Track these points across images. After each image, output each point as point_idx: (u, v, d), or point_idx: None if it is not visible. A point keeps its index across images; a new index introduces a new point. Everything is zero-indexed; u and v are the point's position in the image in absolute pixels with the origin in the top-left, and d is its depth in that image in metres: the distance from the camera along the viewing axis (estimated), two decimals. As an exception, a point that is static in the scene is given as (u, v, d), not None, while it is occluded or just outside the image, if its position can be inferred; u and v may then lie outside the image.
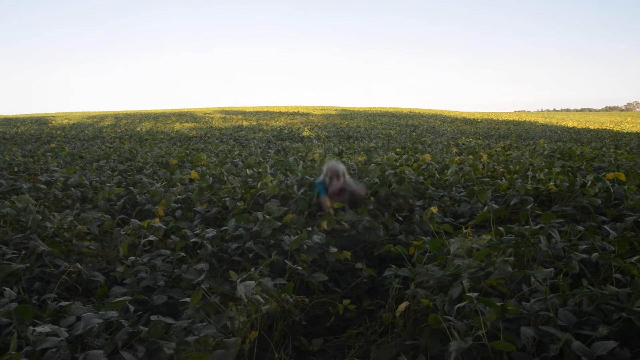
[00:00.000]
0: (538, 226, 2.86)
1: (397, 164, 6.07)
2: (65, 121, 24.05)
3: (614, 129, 21.51)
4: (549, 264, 2.78)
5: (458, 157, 7.34)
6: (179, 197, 4.16)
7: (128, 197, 4.24)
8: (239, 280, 2.32)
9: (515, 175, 5.45)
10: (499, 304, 2.03)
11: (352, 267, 3.34)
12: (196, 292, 2.10)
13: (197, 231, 3.31)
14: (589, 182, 4.17)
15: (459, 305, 2.03)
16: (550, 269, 2.39)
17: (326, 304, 3.03)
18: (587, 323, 2.02)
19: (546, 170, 5.34)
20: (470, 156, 7.19)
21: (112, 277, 2.87)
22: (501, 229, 3.04)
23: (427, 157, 6.15)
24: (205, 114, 32.46)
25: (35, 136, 13.16)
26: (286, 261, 2.82)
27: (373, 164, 6.30)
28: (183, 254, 2.79)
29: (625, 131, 19.36)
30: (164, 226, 3.35)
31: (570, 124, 25.29)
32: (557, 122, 27.30)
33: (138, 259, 2.67)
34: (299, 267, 2.78)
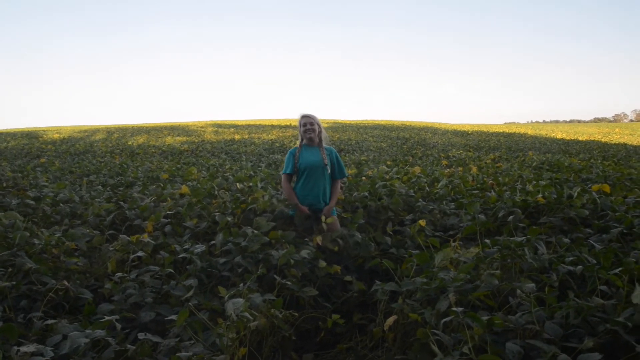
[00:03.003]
0: (523, 238, 2.88)
1: (388, 177, 6.10)
2: (56, 135, 23.92)
3: (602, 140, 21.82)
4: (535, 276, 2.81)
5: (448, 169, 7.40)
6: (168, 212, 4.15)
7: (118, 213, 4.22)
8: (227, 297, 2.31)
9: (504, 187, 5.50)
10: (486, 317, 2.04)
11: (342, 281, 3.34)
12: (183, 309, 2.09)
13: (186, 247, 3.30)
14: (576, 193, 4.23)
15: (445, 319, 2.04)
16: (532, 283, 2.41)
17: (317, 319, 3.03)
18: (573, 335, 2.04)
19: (534, 182, 5.39)
20: (460, 168, 7.25)
21: (100, 294, 2.85)
22: (487, 241, 3.07)
23: (417, 169, 6.19)
24: (198, 127, 32.46)
25: (25, 151, 13.06)
26: (275, 276, 2.82)
27: (364, 177, 6.33)
28: (171, 270, 2.78)
29: (613, 142, 19.65)
30: (152, 242, 3.34)
31: (559, 136, 25.61)
32: (546, 134, 27.64)
33: (125, 275, 2.65)
34: (288, 282, 2.78)
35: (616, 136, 25.61)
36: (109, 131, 28.33)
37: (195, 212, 4.15)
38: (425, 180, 5.84)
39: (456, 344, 2.03)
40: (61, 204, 4.55)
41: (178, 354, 1.80)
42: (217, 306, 2.71)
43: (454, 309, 2.08)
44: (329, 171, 3.90)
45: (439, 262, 2.62)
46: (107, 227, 4.01)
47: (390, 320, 2.55)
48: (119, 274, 2.67)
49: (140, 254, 2.93)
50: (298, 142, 4.05)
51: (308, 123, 3.90)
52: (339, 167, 4.00)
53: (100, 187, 5.70)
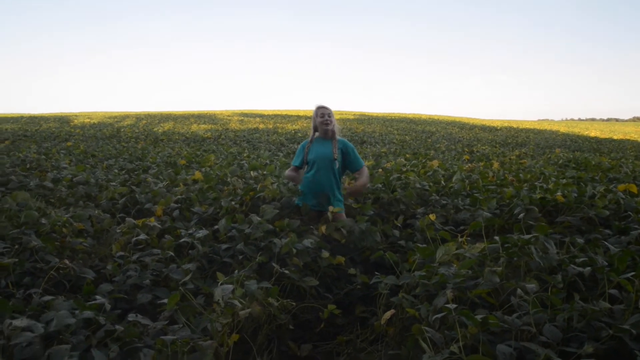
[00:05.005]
0: (531, 236, 2.77)
1: (405, 169, 5.99)
2: (87, 120, 24.59)
3: (638, 139, 20.92)
4: (542, 276, 2.69)
5: (469, 164, 7.22)
6: (179, 197, 4.18)
7: (130, 196, 4.28)
8: (220, 283, 2.30)
9: (525, 184, 5.32)
10: (482, 316, 1.96)
11: (346, 273, 3.29)
12: (175, 293, 2.09)
13: (191, 231, 3.32)
14: (599, 193, 4.04)
15: (436, 316, 1.97)
16: (535, 283, 2.31)
17: (318, 309, 3.00)
18: (574, 340, 1.94)
19: (554, 179, 5.20)
20: (481, 163, 7.06)
21: (103, 275, 2.89)
22: (497, 238, 2.96)
23: (435, 163, 6.06)
24: (224, 116, 32.80)
25: (55, 134, 13.47)
26: (273, 264, 2.80)
27: (380, 169, 6.24)
28: (171, 254, 2.79)
29: (650, 142, 18.82)
30: (159, 225, 3.36)
31: (593, 134, 24.71)
32: (579, 132, 26.71)
33: (127, 256, 2.68)
34: (286, 271, 2.75)
35: (654, 136, 24.53)
36: (138, 117, 28.95)
37: (205, 198, 4.17)
38: (442, 174, 5.70)
39: (448, 342, 1.96)
40: (78, 186, 4.65)
41: (162, 337, 1.79)
42: (214, 291, 2.71)
43: (448, 305, 2.01)
44: (338, 166, 3.82)
45: (440, 256, 2.54)
46: (118, 210, 4.07)
47: (388, 314, 2.50)
48: (119, 253, 2.70)
49: (142, 237, 2.96)
50: (310, 136, 3.99)
51: (326, 114, 3.82)
52: (356, 157, 3.90)
53: (116, 170, 5.80)
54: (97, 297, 2.49)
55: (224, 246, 3.09)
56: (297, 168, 3.93)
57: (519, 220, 3.88)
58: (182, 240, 3.02)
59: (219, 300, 1.90)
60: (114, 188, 4.41)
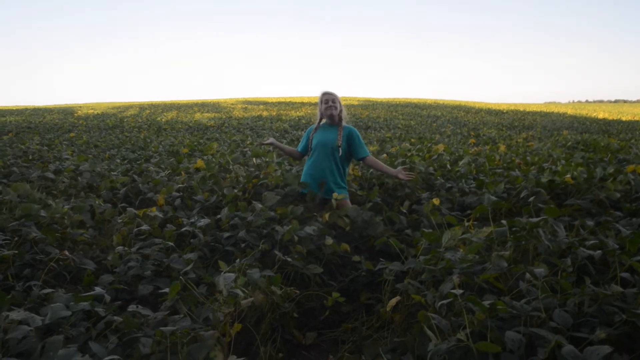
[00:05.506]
0: (540, 219, 2.69)
1: (410, 154, 5.91)
2: (90, 111, 24.56)
3: (648, 120, 20.61)
4: (551, 259, 2.63)
5: (475, 148, 7.11)
6: (181, 185, 4.14)
7: (132, 186, 4.24)
8: (223, 272, 2.25)
9: (532, 167, 5.23)
10: (489, 302, 1.90)
11: (351, 260, 3.24)
12: (175, 283, 2.05)
13: (193, 220, 3.27)
14: (609, 175, 3.95)
15: (442, 302, 1.92)
16: (544, 267, 2.25)
17: (322, 297, 2.96)
18: (585, 325, 1.88)
19: (563, 161, 5.09)
20: (488, 147, 6.95)
21: (104, 265, 2.87)
22: (504, 222, 2.89)
23: (440, 147, 5.96)
24: (228, 104, 32.68)
25: (58, 125, 13.46)
26: (276, 252, 2.75)
27: (385, 154, 6.15)
28: (172, 244, 2.74)
29: (659, 123, 18.53)
30: (160, 215, 3.32)
31: (601, 115, 24.36)
32: (587, 114, 26.35)
33: (125, 248, 2.64)
34: (289, 259, 2.70)
35: (663, 116, 24.15)
36: (142, 107, 28.89)
37: (207, 186, 4.12)
38: (448, 158, 5.61)
39: (455, 328, 1.91)
40: (79, 178, 4.61)
41: (161, 328, 1.75)
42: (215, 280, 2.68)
43: (454, 291, 1.95)
44: (341, 153, 3.74)
45: (446, 241, 2.48)
46: (120, 199, 4.03)
47: (394, 301, 2.45)
48: (119, 247, 2.66)
49: (144, 227, 2.92)
50: (317, 122, 3.92)
51: (330, 100, 3.75)
52: (359, 146, 3.80)
53: (118, 160, 5.76)
54: (98, 288, 2.48)
55: (226, 234, 3.05)
56: (300, 153, 3.87)
57: (527, 204, 3.80)
58: (184, 229, 2.98)
59: (221, 289, 1.85)
60: (116, 178, 4.37)
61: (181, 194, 4.07)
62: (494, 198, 2.94)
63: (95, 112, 24.15)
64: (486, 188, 4.03)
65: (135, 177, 4.48)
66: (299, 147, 3.89)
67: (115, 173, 4.60)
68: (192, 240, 3.01)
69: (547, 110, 29.48)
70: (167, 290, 2.20)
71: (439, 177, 4.52)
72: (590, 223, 2.87)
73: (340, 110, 3.76)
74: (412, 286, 2.43)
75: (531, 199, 3.25)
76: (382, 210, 4.00)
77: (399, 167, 3.77)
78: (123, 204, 3.91)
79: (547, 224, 2.63)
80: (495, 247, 2.67)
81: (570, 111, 29.52)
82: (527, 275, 2.09)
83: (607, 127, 14.73)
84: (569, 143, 7.61)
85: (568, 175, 4.21)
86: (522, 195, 3.87)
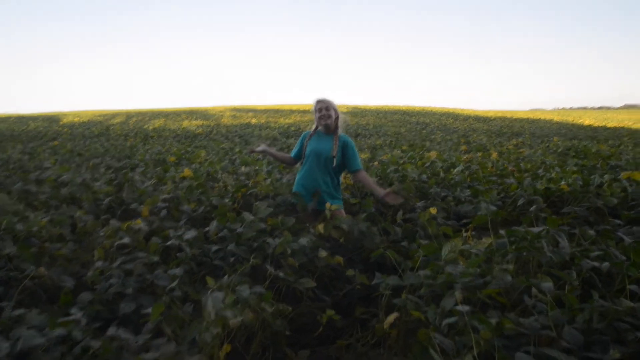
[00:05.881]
0: (542, 229, 2.60)
1: (402, 162, 5.82)
2: (76, 119, 24.17)
3: (633, 127, 20.86)
4: (554, 272, 2.53)
5: (466, 155, 7.05)
6: (167, 195, 3.98)
7: (115, 196, 4.07)
8: (209, 292, 2.11)
9: (526, 174, 5.17)
10: (495, 320, 1.79)
11: (344, 273, 3.12)
12: (158, 302, 1.90)
13: (180, 232, 3.12)
14: (606, 181, 3.89)
15: (447, 321, 1.80)
16: (549, 280, 2.14)
17: (315, 313, 2.82)
18: (596, 343, 1.77)
19: (558, 168, 5.04)
20: (479, 154, 6.89)
21: (84, 282, 2.70)
22: (502, 232, 2.79)
23: (433, 154, 5.88)
24: (216, 111, 32.45)
25: (42, 133, 13.16)
26: (267, 266, 2.61)
27: (376, 162, 6.06)
28: (156, 259, 2.59)
29: (644, 128, 18.76)
30: (145, 227, 3.16)
31: (587, 122, 24.64)
32: (573, 120, 26.64)
33: (106, 264, 2.48)
34: (281, 273, 2.56)
35: (647, 122, 24.50)
36: (129, 115, 28.54)
37: (194, 196, 3.97)
38: (441, 165, 5.52)
39: (460, 349, 1.79)
40: (62, 187, 4.43)
41: (142, 356, 1.60)
42: (204, 298, 2.53)
43: (459, 308, 1.84)
44: (335, 164, 3.62)
45: (446, 254, 2.36)
46: (103, 211, 3.86)
47: (391, 317, 2.33)
48: (99, 263, 2.49)
49: (126, 240, 2.76)
50: (313, 128, 3.79)
51: (324, 108, 3.61)
52: (352, 157, 3.66)
53: (102, 170, 5.57)
54: (76, 307, 2.32)
55: (214, 247, 2.90)
56: (293, 159, 3.76)
57: (524, 212, 3.72)
58: (170, 242, 2.82)
59: (209, 312, 1.71)
60: (99, 188, 4.19)
61: (167, 204, 3.92)
62: (493, 207, 2.84)
63: (81, 119, 23.76)
64: (482, 196, 3.94)
65: (121, 186, 4.31)
66: (293, 153, 3.76)
67: (98, 183, 4.42)
68: (178, 254, 2.86)
69: (534, 117, 29.78)
70: (150, 309, 2.05)
71: (433, 186, 4.42)
72: (591, 232, 2.78)
73: (336, 118, 3.63)
74: (411, 302, 2.31)
75: (532, 208, 3.16)
76: (377, 220, 3.89)
77: (388, 189, 3.64)
78: (106, 216, 3.74)
79: (548, 234, 2.54)
80: (496, 258, 2.57)
81: (556, 118, 29.83)
82: (534, 290, 1.99)
83: (594, 133, 14.85)
84: (560, 149, 7.59)
85: (564, 183, 4.14)
86: (518, 203, 3.79)
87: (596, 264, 2.34)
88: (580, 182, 4.18)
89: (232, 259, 2.82)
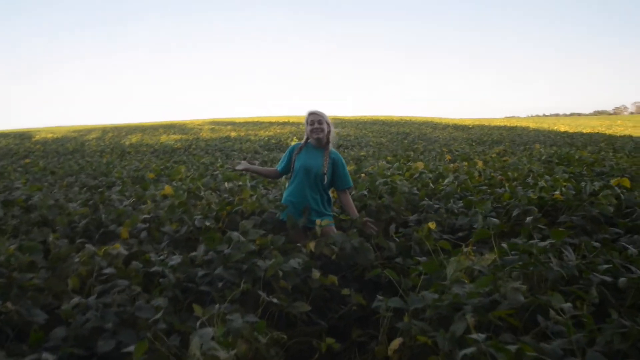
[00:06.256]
0: (547, 242, 2.49)
1: (389, 173, 5.70)
2: (49, 135, 23.47)
3: (606, 132, 21.37)
4: (561, 286, 2.41)
5: (452, 164, 6.99)
6: (146, 216, 3.75)
7: (92, 218, 3.82)
8: (197, 325, 1.91)
9: (515, 183, 5.10)
10: (514, 347, 1.64)
11: (339, 293, 2.94)
12: (141, 341, 1.70)
13: (162, 256, 2.91)
14: (599, 189, 3.83)
15: (464, 352, 1.64)
16: (561, 298, 2.01)
17: (309, 337, 2.64)
18: (622, 368, 1.65)
19: (547, 177, 4.98)
20: (465, 163, 6.84)
21: (57, 315, 2.46)
22: (504, 245, 2.67)
23: (420, 165, 5.78)
24: (195, 125, 32.03)
25: (13, 151, 12.64)
26: (259, 292, 2.42)
27: (363, 174, 5.93)
28: (139, 290, 2.38)
29: (617, 134, 19.22)
30: (124, 252, 2.93)
31: (562, 129, 25.16)
32: (548, 127, 27.18)
33: (82, 299, 2.25)
34: (275, 299, 2.38)
35: (619, 128, 25.18)
36: (105, 130, 27.89)
37: (176, 216, 3.75)
38: (429, 176, 5.42)
39: (478, 381, 1.64)
40: (33, 210, 4.14)
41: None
42: (190, 328, 2.32)
43: (474, 336, 1.69)
44: (325, 181, 3.47)
45: (451, 273, 2.22)
46: (78, 234, 3.61)
47: (396, 343, 2.17)
48: (74, 300, 2.26)
49: (107, 270, 2.54)
50: (303, 140, 3.63)
51: (316, 122, 3.44)
52: (344, 175, 3.52)
53: (76, 189, 5.28)
54: (49, 345, 2.09)
55: (201, 272, 2.69)
56: (279, 173, 3.59)
57: (519, 223, 3.62)
58: (153, 269, 2.61)
59: (195, 354, 1.52)
60: (73, 209, 3.93)
61: (148, 224, 3.69)
62: (496, 221, 2.72)
63: (55, 136, 23.08)
64: (475, 208, 3.83)
65: (97, 207, 4.05)
66: (279, 167, 3.59)
67: (73, 205, 4.15)
68: (161, 279, 2.64)
69: (510, 125, 30.29)
70: (127, 349, 1.83)
71: (424, 198, 4.30)
72: (596, 244, 2.68)
73: (329, 132, 3.48)
74: (416, 326, 2.16)
75: (529, 219, 3.05)
76: (370, 235, 3.74)
77: (365, 218, 3.49)
78: (82, 239, 3.49)
79: (554, 248, 2.43)
80: (498, 274, 2.43)
81: (532, 125, 30.40)
82: (551, 311, 1.86)
83: (571, 139, 15.12)
84: (543, 157, 7.61)
85: (557, 192, 4.07)
86: (513, 214, 3.69)
87: (607, 278, 2.23)
88: (573, 191, 4.12)
89: (220, 284, 2.62)
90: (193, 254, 2.92)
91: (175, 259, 2.68)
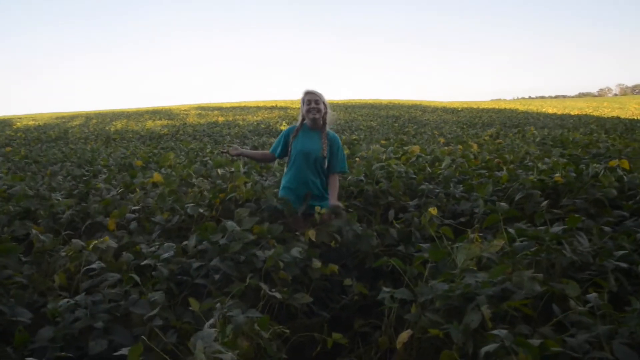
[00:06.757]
0: (559, 228, 2.39)
1: (384, 157, 5.58)
2: (31, 122, 22.88)
3: (593, 114, 21.49)
4: (572, 273, 2.33)
5: (446, 147, 6.89)
6: (135, 206, 3.59)
7: (77, 209, 3.63)
8: (196, 336, 1.77)
9: (512, 166, 5.01)
10: (537, 341, 1.54)
11: (340, 282, 2.84)
12: (136, 345, 1.56)
13: (154, 248, 2.76)
14: (601, 171, 3.75)
15: (486, 349, 1.54)
16: (576, 288, 1.93)
17: (311, 329, 2.53)
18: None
19: (547, 159, 4.91)
20: (460, 146, 6.74)
21: (43, 314, 2.31)
22: (512, 231, 2.57)
23: (416, 148, 5.67)
24: (181, 110, 31.50)
25: (-7, 139, 12.26)
26: (261, 284, 2.29)
27: (357, 158, 5.80)
28: (128, 289, 2.23)
29: (605, 116, 19.32)
30: (114, 244, 2.78)
31: (550, 110, 25.25)
32: (536, 109, 27.26)
33: (67, 297, 2.10)
34: (277, 293, 2.25)
35: (606, 110, 25.35)
36: (89, 117, 27.27)
37: (167, 205, 3.59)
38: (427, 159, 5.31)
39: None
40: (10, 204, 3.93)
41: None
42: (187, 325, 2.19)
43: (495, 332, 1.58)
44: (326, 165, 3.31)
45: (461, 261, 2.11)
46: (63, 226, 3.43)
47: (404, 335, 2.06)
48: (62, 302, 2.10)
49: (95, 265, 2.38)
50: (298, 122, 3.45)
51: (313, 101, 3.25)
52: (340, 158, 3.36)
53: (60, 178, 5.06)
54: (39, 345, 1.95)
55: (196, 264, 2.56)
56: (275, 157, 3.44)
57: (520, 206, 3.53)
58: (144, 262, 2.47)
59: (200, 358, 1.39)
60: (57, 200, 3.75)
61: (137, 215, 3.52)
62: (504, 205, 2.61)
63: (37, 123, 22.48)
64: (476, 192, 3.73)
65: (83, 197, 3.87)
66: (275, 150, 3.41)
67: (55, 195, 3.94)
68: (153, 272, 2.50)
69: (499, 107, 30.34)
70: (120, 352, 1.69)
71: (424, 182, 4.19)
72: (607, 229, 2.60)
73: (325, 113, 3.32)
74: (426, 317, 2.05)
75: (544, 203, 2.96)
76: (371, 222, 3.63)
77: (334, 203, 3.29)
78: (67, 232, 3.32)
79: (569, 235, 2.33)
80: (507, 261, 2.34)
81: (519, 107, 30.48)
82: (572, 302, 1.76)
83: (561, 122, 15.14)
84: (537, 139, 7.55)
85: (557, 174, 3.99)
86: (516, 198, 3.60)
87: (622, 264, 2.15)
88: (573, 173, 4.04)
89: (216, 277, 2.49)
90: (184, 243, 2.78)
91: (168, 251, 2.53)
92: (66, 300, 2.12)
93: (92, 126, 19.19)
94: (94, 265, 2.34)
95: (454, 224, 3.42)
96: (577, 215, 2.38)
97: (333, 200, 3.29)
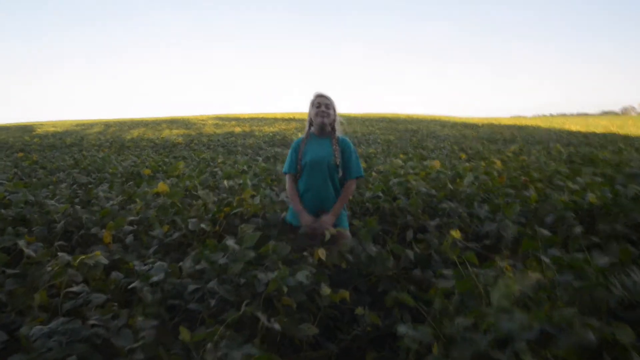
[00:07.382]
0: (606, 261, 2.07)
1: (402, 172, 5.28)
2: (51, 129, 23.17)
3: (619, 132, 20.81)
4: (621, 313, 2.00)
5: (468, 163, 6.55)
6: (134, 218, 3.36)
7: (73, 218, 3.42)
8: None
9: (540, 185, 4.67)
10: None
11: (350, 310, 2.54)
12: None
13: (148, 265, 2.51)
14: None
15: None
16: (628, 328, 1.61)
17: (317, 364, 2.25)
18: None
19: (577, 178, 4.55)
20: (482, 162, 6.40)
21: (18, 337, 2.07)
22: (547, 260, 2.25)
23: (437, 164, 5.35)
24: (198, 120, 31.67)
25: (9, 145, 12.29)
26: (258, 314, 2.02)
27: (374, 173, 5.51)
28: (110, 317, 1.98)
29: (632, 135, 18.66)
30: (104, 260, 2.54)
31: (573, 128, 24.60)
32: (559, 126, 26.62)
33: (43, 329, 1.85)
34: (276, 324, 1.98)
35: (633, 128, 24.60)
36: (107, 125, 27.56)
37: (168, 217, 3.36)
38: (448, 174, 5.00)
39: None
40: (4, 209, 3.75)
41: None
42: (177, 358, 1.93)
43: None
44: (340, 174, 3.03)
45: (497, 300, 1.80)
46: (57, 236, 3.21)
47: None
48: (36, 329, 1.86)
49: (75, 289, 2.14)
50: (305, 132, 3.21)
51: (323, 104, 3.02)
52: (354, 162, 3.07)
53: (64, 185, 4.89)
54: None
55: (191, 287, 2.30)
56: (294, 175, 3.09)
57: (553, 230, 3.20)
58: (132, 285, 2.21)
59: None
60: (55, 207, 3.54)
61: (135, 227, 3.29)
62: (546, 232, 2.29)
63: (57, 129, 22.75)
64: (503, 212, 3.41)
65: (81, 206, 3.66)
66: (289, 168, 3.11)
67: (51, 202, 3.74)
68: (141, 295, 2.24)
69: (520, 124, 29.73)
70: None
71: (445, 200, 3.88)
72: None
73: (334, 120, 3.07)
74: (450, 362, 1.75)
75: (578, 227, 2.63)
76: (385, 241, 3.33)
77: (327, 217, 3.00)
78: (61, 242, 3.10)
79: (616, 268, 2.01)
80: (541, 294, 2.02)
81: (541, 124, 29.82)
82: (635, 355, 1.45)
83: (586, 139, 14.62)
84: (564, 156, 7.16)
85: (592, 195, 3.65)
86: (547, 220, 3.27)
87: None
88: (609, 194, 3.69)
89: (212, 301, 2.22)
90: (182, 263, 2.52)
91: (159, 273, 2.27)
92: (40, 326, 1.88)
93: (109, 134, 19.30)
94: (74, 289, 2.09)
95: (478, 247, 3.11)
96: (627, 248, 2.04)
97: (332, 210, 2.98)
